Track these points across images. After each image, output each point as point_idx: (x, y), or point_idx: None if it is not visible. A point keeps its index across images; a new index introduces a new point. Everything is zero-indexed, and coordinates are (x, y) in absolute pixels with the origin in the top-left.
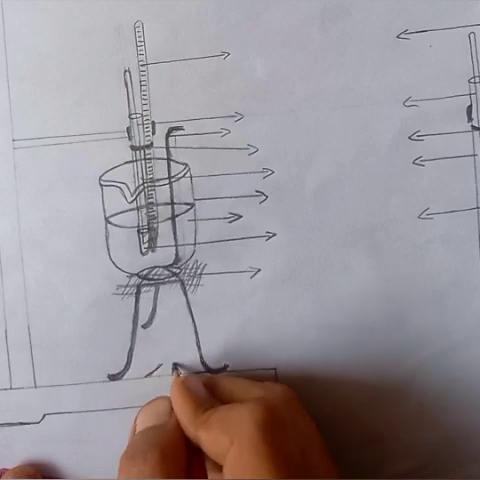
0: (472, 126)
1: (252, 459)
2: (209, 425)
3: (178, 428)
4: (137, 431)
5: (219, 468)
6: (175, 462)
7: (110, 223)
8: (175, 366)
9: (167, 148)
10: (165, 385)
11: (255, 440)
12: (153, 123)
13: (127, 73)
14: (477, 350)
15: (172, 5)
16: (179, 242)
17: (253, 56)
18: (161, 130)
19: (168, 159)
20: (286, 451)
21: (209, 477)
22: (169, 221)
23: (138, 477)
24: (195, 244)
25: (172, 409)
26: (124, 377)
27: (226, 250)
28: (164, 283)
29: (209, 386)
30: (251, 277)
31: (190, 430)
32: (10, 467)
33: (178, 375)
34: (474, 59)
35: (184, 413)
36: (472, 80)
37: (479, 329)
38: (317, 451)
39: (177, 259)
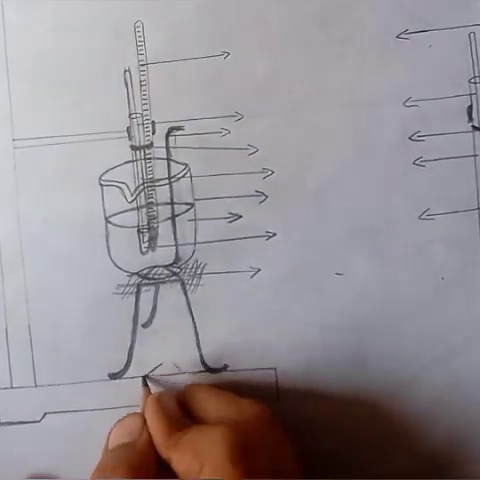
0: (472, 126)
1: None
2: (180, 447)
3: (149, 445)
4: (109, 449)
5: None
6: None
7: (110, 223)
8: (144, 380)
9: (167, 148)
10: (165, 384)
11: (226, 466)
12: (153, 123)
13: (127, 73)
14: (478, 352)
15: (172, 5)
16: (179, 242)
17: (253, 56)
18: (161, 130)
19: (168, 159)
20: (257, 476)
21: None
22: (169, 221)
23: None
24: (195, 244)
25: (143, 426)
26: (124, 376)
27: (226, 250)
28: (164, 282)
29: (183, 402)
30: (251, 277)
31: (163, 450)
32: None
33: (148, 390)
34: (474, 59)
35: (158, 433)
36: (472, 80)
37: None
38: (290, 470)
39: (177, 259)
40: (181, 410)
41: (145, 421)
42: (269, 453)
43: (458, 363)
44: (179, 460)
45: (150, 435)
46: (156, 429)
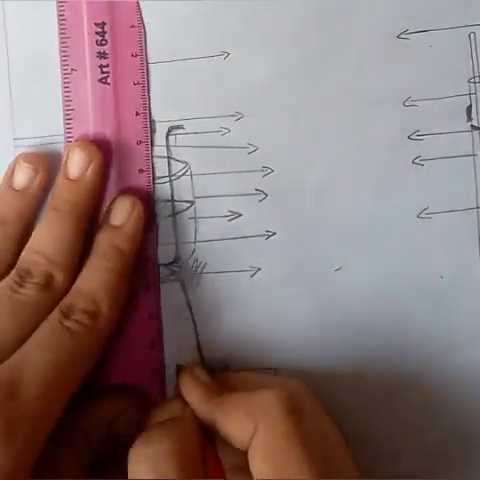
0: (472, 126)
1: (283, 443)
2: (227, 408)
3: (192, 419)
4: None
5: (234, 451)
6: (192, 449)
7: None
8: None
9: (167, 147)
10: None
11: (284, 425)
12: (153, 122)
13: None
14: (477, 350)
15: (172, 5)
16: (179, 240)
17: (253, 56)
18: (161, 129)
19: (168, 157)
20: (314, 437)
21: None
22: (169, 218)
23: (154, 458)
24: (195, 242)
25: (184, 406)
26: None
27: (226, 248)
28: (164, 282)
29: (220, 380)
30: (251, 276)
31: (204, 412)
32: None
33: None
34: (474, 59)
35: (197, 395)
36: (472, 80)
37: (478, 329)
38: (338, 443)
39: (177, 257)
40: (216, 381)
41: (185, 403)
42: (318, 423)
43: (458, 362)
44: (227, 420)
45: (193, 412)
46: (194, 392)
